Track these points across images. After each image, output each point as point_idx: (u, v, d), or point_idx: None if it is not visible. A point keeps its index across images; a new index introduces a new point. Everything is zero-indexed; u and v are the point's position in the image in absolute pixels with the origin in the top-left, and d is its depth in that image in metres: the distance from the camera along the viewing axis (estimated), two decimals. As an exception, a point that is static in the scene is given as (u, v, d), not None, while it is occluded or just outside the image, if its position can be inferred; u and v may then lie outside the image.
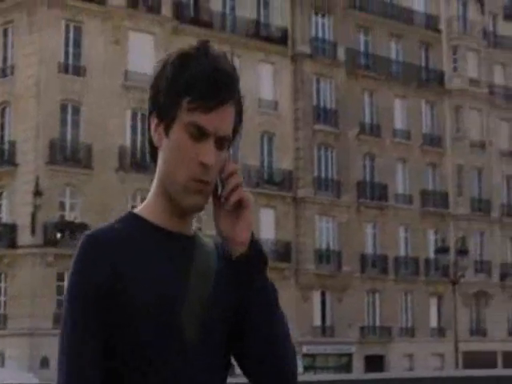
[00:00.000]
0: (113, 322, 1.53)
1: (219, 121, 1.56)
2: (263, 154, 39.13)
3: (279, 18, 39.70)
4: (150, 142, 1.65)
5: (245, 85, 37.62)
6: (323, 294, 39.72)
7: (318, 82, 40.50)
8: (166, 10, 36.52)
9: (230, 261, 1.65)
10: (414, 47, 45.08)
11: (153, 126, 1.62)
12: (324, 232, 40.16)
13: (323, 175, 40.38)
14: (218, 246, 1.72)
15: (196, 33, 36.13)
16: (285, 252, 38.42)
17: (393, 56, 44.31)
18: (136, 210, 1.69)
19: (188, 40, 32.87)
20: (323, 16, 40.92)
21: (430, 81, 45.37)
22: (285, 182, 39.14)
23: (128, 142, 35.04)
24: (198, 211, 1.63)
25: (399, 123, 43.81)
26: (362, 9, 43.00)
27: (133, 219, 1.66)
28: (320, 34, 40.84)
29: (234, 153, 37.68)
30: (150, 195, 1.69)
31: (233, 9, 38.71)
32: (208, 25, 37.46)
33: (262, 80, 38.94)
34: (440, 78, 45.62)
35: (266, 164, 39.15)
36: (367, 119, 42.61)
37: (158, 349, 1.55)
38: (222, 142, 1.58)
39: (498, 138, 48.46)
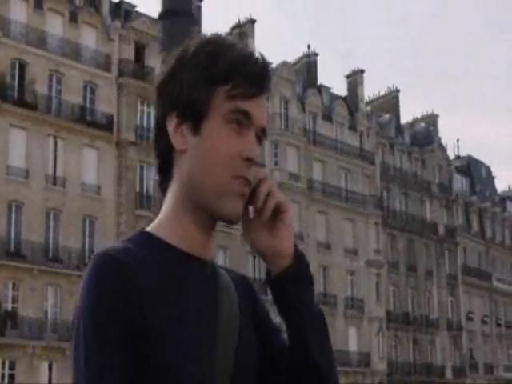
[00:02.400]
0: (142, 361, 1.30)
1: (260, 108, 1.43)
2: (85, 237, 39.27)
3: (106, 104, 40.70)
4: (163, 152, 1.44)
5: (68, 168, 38.26)
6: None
7: (141, 168, 41.51)
8: (-11, 89, 36.64)
9: (275, 279, 1.45)
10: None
11: (171, 129, 1.41)
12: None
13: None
14: (231, 274, 1.52)
15: (19, 113, 36.44)
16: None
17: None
18: (149, 229, 1.44)
19: (11, 121, 33.35)
20: (149, 105, 42.33)
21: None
22: (105, 265, 39.35)
23: None
24: (236, 221, 1.42)
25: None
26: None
27: (148, 240, 1.40)
28: (145, 122, 42.10)
29: (54, 235, 37.71)
30: (166, 213, 1.45)
31: (59, 93, 39.35)
32: (33, 107, 37.82)
33: (85, 164, 39.47)
34: (261, 170, 47.92)
35: (87, 247, 39.28)
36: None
37: None
38: (261, 137, 1.44)
39: (315, 231, 51.02)
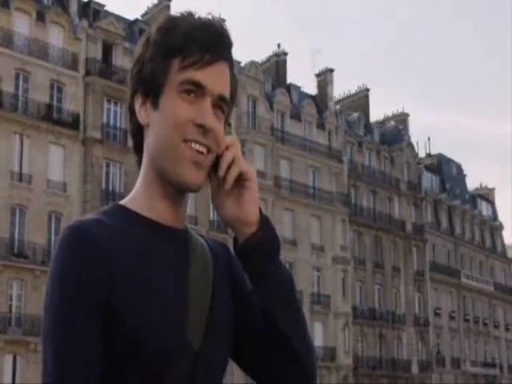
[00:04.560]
0: (109, 331, 1.34)
1: (216, 76, 1.44)
2: (50, 233, 39.95)
3: (72, 103, 41.37)
4: (134, 132, 1.52)
5: (34, 165, 38.93)
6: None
7: (107, 166, 42.23)
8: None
9: (239, 248, 1.47)
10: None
11: (137, 107, 1.48)
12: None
13: (110, 255, 41.70)
14: (207, 240, 1.57)
15: (-16, 112, 37.01)
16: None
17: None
18: (122, 202, 1.51)
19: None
20: (115, 103, 43.03)
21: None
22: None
23: None
24: (196, 189, 1.44)
25: (188, 210, 46.04)
26: (154, 100, 45.59)
27: (121, 212, 1.46)
28: (112, 121, 42.81)
29: (19, 231, 38.37)
30: (137, 186, 1.52)
31: (26, 91, 39.98)
32: (-2, 105, 38.46)
33: (51, 161, 40.10)
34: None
35: (52, 243, 39.94)
36: (156, 203, 44.62)
37: (165, 363, 1.36)
38: (221, 105, 1.45)
39: (281, 227, 51.92)
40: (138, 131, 1.51)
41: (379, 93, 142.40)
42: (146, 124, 1.47)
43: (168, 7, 49.90)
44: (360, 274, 59.06)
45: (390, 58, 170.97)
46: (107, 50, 43.56)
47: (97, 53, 43.04)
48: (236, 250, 1.49)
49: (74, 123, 41.07)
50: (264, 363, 1.50)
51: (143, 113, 1.48)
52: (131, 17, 49.57)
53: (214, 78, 1.44)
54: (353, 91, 68.19)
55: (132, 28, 47.97)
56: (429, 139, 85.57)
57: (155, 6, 50.57)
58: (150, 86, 1.46)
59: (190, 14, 1.48)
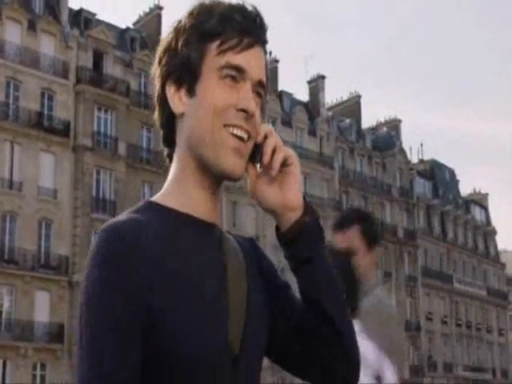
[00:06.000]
0: (149, 335, 1.28)
1: (255, 60, 1.40)
2: (41, 239, 40.39)
3: (63, 110, 41.85)
4: (165, 123, 1.46)
5: (25, 173, 39.41)
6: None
7: (98, 173, 42.69)
8: None
9: (283, 234, 1.45)
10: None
11: (170, 95, 1.42)
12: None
13: (100, 261, 42.10)
14: (237, 238, 1.52)
15: (-25, 120, 37.46)
16: (58, 334, 39.43)
17: (174, 152, 47.31)
18: (154, 198, 1.44)
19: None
20: (106, 112, 43.51)
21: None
22: (61, 266, 40.51)
23: None
24: (237, 178, 1.40)
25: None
26: (146, 107, 46.03)
27: (154, 209, 1.39)
28: (102, 129, 43.29)
29: (10, 237, 38.83)
30: (170, 180, 1.45)
31: (16, 99, 40.48)
32: (-11, 113, 38.95)
33: (42, 169, 40.55)
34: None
35: (42, 249, 40.39)
36: (146, 210, 45.03)
37: (207, 368, 1.32)
38: (258, 91, 1.42)
39: (271, 232, 52.28)
40: (170, 122, 1.45)
41: (375, 95, 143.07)
42: (181, 113, 1.42)
43: (159, 15, 50.47)
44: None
45: (385, 58, 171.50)
46: (98, 58, 44.02)
47: (88, 61, 43.52)
48: (279, 237, 1.46)
49: (64, 131, 41.53)
50: (305, 351, 1.48)
51: (177, 101, 1.42)
52: (122, 25, 50.10)
53: (253, 63, 1.40)
54: (345, 97, 68.70)
55: (123, 36, 48.49)
56: (421, 145, 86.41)
57: (146, 14, 51.11)
58: (185, 72, 1.40)
59: (225, 1, 1.44)
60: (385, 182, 65.70)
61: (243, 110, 1.37)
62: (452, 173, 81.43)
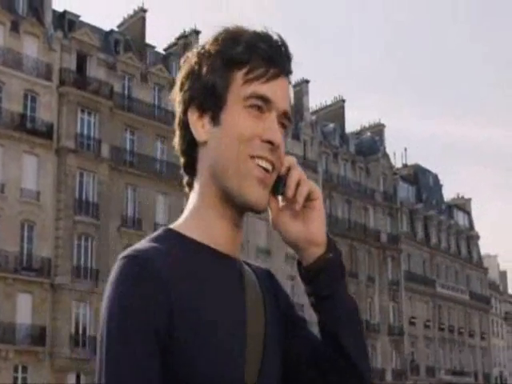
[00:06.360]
0: (167, 365, 1.27)
1: (280, 91, 1.38)
2: (23, 241, 40.24)
3: (46, 112, 41.75)
4: (186, 150, 1.43)
5: (7, 174, 39.27)
6: (78, 377, 40.72)
7: (81, 175, 42.60)
8: None
9: (306, 269, 1.43)
10: (179, 148, 48.40)
11: (192, 122, 1.39)
12: (81, 318, 41.51)
13: (82, 264, 42.02)
14: (251, 266, 1.50)
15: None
16: (40, 336, 39.29)
17: (158, 155, 47.34)
18: (173, 226, 1.42)
19: None
20: (89, 114, 43.44)
21: (194, 180, 48.58)
22: (43, 269, 40.37)
23: None
24: (261, 209, 1.39)
25: (161, 218, 46.49)
26: (129, 110, 46.01)
27: (174, 238, 1.38)
28: (85, 131, 43.21)
29: (-8, 239, 38.60)
30: (190, 209, 1.42)
31: (0, 101, 40.37)
32: (-28, 115, 38.80)
33: (25, 170, 40.44)
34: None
35: (25, 251, 40.24)
36: (129, 213, 45.01)
37: None
38: (283, 122, 1.40)
39: (255, 237, 52.34)
40: (191, 149, 1.42)
41: (361, 99, 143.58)
42: (204, 141, 1.39)
43: (144, 18, 50.49)
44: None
45: (371, 64, 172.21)
46: (82, 60, 43.95)
47: (71, 63, 43.45)
48: (301, 271, 1.45)
49: (47, 133, 41.43)
50: (320, 381, 1.46)
51: (200, 129, 1.39)
52: (107, 27, 50.03)
53: (279, 93, 1.38)
54: (329, 102, 68.91)
55: (107, 39, 48.47)
56: (405, 150, 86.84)
57: (131, 16, 51.11)
58: (209, 99, 1.38)
59: (250, 29, 1.42)
60: (368, 186, 65.92)
61: (269, 142, 1.35)
62: (435, 178, 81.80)
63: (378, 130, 71.74)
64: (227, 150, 1.35)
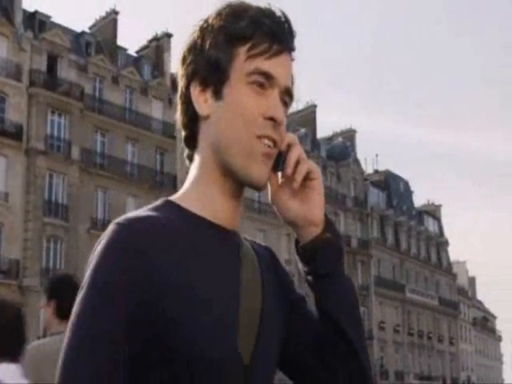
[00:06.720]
0: (146, 334, 1.24)
1: (283, 67, 1.37)
2: (-9, 243, 39.92)
3: (15, 113, 41.45)
4: (188, 123, 1.42)
5: (-25, 175, 38.90)
6: (44, 383, 40.43)
7: (51, 177, 42.33)
8: None
9: (303, 247, 1.43)
10: (150, 151, 48.37)
11: (195, 96, 1.39)
12: (48, 320, 41.23)
13: (51, 266, 41.75)
14: (251, 243, 1.50)
15: None
16: (6, 340, 38.97)
17: (128, 158, 47.19)
18: (173, 198, 1.41)
19: None
20: (60, 115, 43.21)
21: (163, 183, 48.58)
22: (11, 270, 40.04)
23: None
24: (262, 186, 1.39)
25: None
26: (100, 112, 45.82)
27: (173, 208, 1.37)
28: (55, 132, 42.96)
29: (-41, 240, 38.23)
30: (190, 181, 1.42)
31: (-32, 101, 40.06)
32: None
33: (-6, 171, 40.17)
34: (173, 181, 48.94)
35: (-7, 252, 39.91)
36: (99, 215, 44.80)
37: (214, 376, 1.28)
38: (285, 99, 1.40)
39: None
40: (193, 123, 1.42)
41: (331, 104, 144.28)
42: (207, 115, 1.39)
43: (115, 20, 50.30)
44: (305, 288, 59.50)
45: (340, 65, 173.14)
46: (52, 61, 43.68)
47: (42, 64, 43.16)
48: (298, 250, 1.45)
49: (17, 134, 41.13)
50: (320, 366, 1.46)
51: (203, 103, 1.39)
52: (78, 29, 49.79)
53: (281, 70, 1.37)
54: (300, 107, 69.19)
55: (78, 40, 48.23)
56: (376, 156, 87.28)
57: (102, 18, 50.88)
58: (212, 74, 1.37)
59: (253, 4, 1.41)
60: (339, 191, 66.25)
61: (271, 119, 1.35)
62: (406, 184, 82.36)
63: (349, 135, 72.16)
64: (231, 127, 1.35)
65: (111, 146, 46.19)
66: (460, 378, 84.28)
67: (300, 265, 1.46)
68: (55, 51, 43.92)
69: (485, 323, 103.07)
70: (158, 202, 1.38)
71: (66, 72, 44.11)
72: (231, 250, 1.38)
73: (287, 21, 1.40)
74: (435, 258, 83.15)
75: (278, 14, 1.40)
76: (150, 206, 1.37)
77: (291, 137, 1.39)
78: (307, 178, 1.40)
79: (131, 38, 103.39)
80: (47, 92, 42.49)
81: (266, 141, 1.35)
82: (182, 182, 1.47)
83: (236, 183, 1.39)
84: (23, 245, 40.74)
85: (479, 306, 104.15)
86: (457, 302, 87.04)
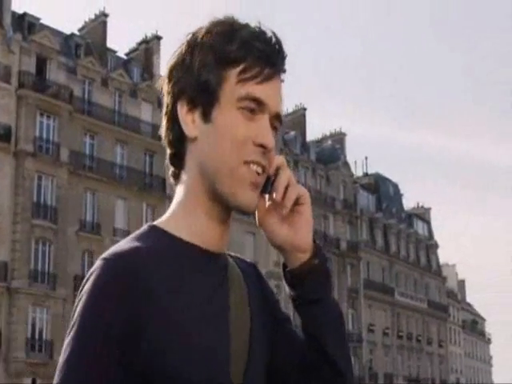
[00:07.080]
0: (145, 367, 1.24)
1: (273, 93, 1.35)
2: (-21, 245, 39.72)
3: (4, 115, 41.32)
4: (175, 142, 1.39)
5: (-37, 176, 38.72)
6: (34, 382, 40.25)
7: (39, 179, 42.21)
8: None
9: (291, 273, 1.41)
10: (139, 153, 48.28)
11: (182, 116, 1.35)
12: (37, 322, 41.10)
13: (40, 268, 41.61)
14: (236, 260, 1.48)
15: None
16: (-7, 341, 38.87)
17: (117, 160, 47.10)
18: (157, 223, 1.39)
19: None
20: (48, 117, 43.09)
21: (152, 186, 48.51)
22: (0, 272, 39.85)
23: None
24: (251, 212, 1.37)
25: (120, 223, 46.24)
26: (89, 114, 45.71)
27: (157, 235, 1.35)
28: (44, 134, 42.84)
29: None
30: (176, 204, 1.39)
31: (-43, 103, 39.88)
32: None
33: (-18, 173, 40.00)
34: (162, 184, 48.87)
35: (-19, 255, 39.72)
36: (88, 217, 44.68)
37: None
38: (275, 124, 1.37)
39: (241, 251, 52.22)
40: (179, 142, 1.38)
41: (322, 107, 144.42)
42: (194, 136, 1.35)
43: (105, 23, 50.28)
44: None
45: (330, 68, 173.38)
46: (42, 63, 43.60)
47: (31, 66, 43.07)
48: (286, 275, 1.43)
49: (5, 136, 41.03)
50: None
51: (190, 123, 1.35)
52: (67, 31, 49.70)
53: (272, 95, 1.35)
54: (290, 110, 69.18)
55: (68, 42, 48.15)
56: (366, 158, 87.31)
57: (92, 20, 50.85)
58: (201, 95, 1.34)
59: (245, 23, 1.38)
60: (329, 194, 66.33)
61: (261, 145, 1.32)
62: (396, 187, 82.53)
63: (338, 138, 72.29)
64: (219, 152, 1.32)
65: (100, 149, 46.11)
66: (449, 380, 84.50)
67: (287, 288, 1.44)
68: (44, 53, 43.82)
69: (474, 326, 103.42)
70: (143, 229, 1.36)
71: (55, 74, 44.02)
72: (219, 274, 1.37)
73: (278, 42, 1.38)
74: (425, 260, 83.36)
75: (269, 35, 1.37)
76: (136, 233, 1.35)
77: (280, 159, 1.37)
78: (296, 202, 1.37)
79: (121, 41, 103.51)
80: (36, 94, 42.40)
81: (255, 167, 1.33)
82: (171, 185, 1.45)
83: (224, 208, 1.36)
84: (11, 246, 40.61)
85: (468, 308, 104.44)
86: (446, 304, 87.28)
